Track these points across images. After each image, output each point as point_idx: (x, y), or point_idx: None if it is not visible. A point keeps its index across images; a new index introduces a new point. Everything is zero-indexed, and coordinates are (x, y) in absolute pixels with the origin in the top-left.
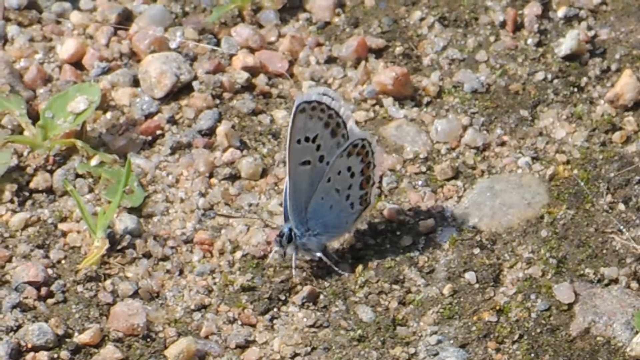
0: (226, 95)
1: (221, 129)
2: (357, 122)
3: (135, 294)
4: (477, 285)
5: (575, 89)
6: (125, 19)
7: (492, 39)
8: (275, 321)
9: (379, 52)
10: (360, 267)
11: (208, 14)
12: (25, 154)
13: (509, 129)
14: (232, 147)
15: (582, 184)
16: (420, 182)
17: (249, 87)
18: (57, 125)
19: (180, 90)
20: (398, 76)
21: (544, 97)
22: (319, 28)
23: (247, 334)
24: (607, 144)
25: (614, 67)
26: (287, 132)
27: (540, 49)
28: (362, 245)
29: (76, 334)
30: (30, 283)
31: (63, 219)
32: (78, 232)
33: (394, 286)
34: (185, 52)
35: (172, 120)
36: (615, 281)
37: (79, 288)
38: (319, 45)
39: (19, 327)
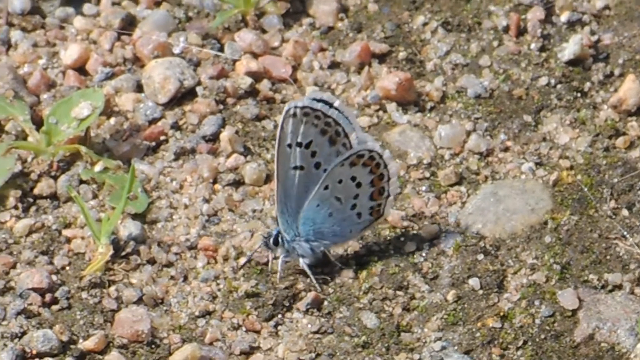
0: (230, 100)
1: (225, 135)
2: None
3: (139, 300)
4: (481, 292)
5: (579, 94)
6: (129, 24)
7: (495, 43)
8: (279, 327)
9: (382, 57)
10: (364, 273)
11: (211, 19)
12: (29, 159)
13: (513, 134)
14: (235, 153)
15: (585, 189)
16: (424, 188)
17: (252, 92)
18: (61, 131)
19: (183, 96)
20: (401, 81)
21: (547, 102)
22: (322, 33)
23: (252, 340)
24: (611, 149)
25: (617, 72)
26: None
27: (544, 54)
28: (365, 251)
29: (81, 340)
30: (34, 289)
31: (67, 225)
32: (82, 238)
33: (398, 292)
34: (189, 58)
35: (175, 126)
36: (619, 287)
37: (84, 294)
38: (323, 50)
39: (24, 333)
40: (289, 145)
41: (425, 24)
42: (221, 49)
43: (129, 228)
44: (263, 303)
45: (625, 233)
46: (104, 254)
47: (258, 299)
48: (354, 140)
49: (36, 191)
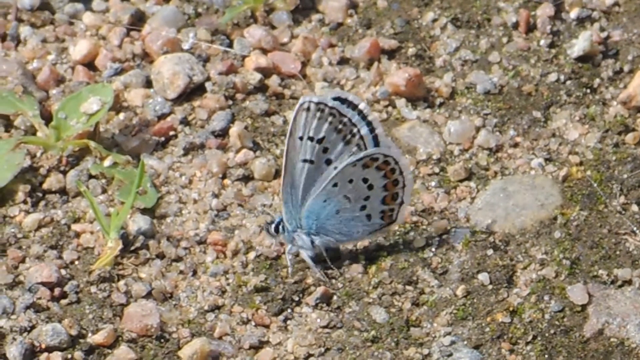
0: (239, 96)
1: (234, 130)
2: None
3: (148, 295)
4: (490, 287)
5: (588, 90)
6: (138, 19)
7: (504, 40)
8: (288, 322)
9: (391, 53)
10: (373, 268)
11: (221, 15)
12: (38, 154)
13: (522, 130)
14: (245, 148)
15: (595, 185)
16: (433, 183)
17: (261, 88)
18: (70, 126)
19: (193, 91)
20: (411, 77)
21: (556, 98)
22: (332, 29)
23: (261, 335)
24: (620, 145)
25: (626, 68)
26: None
27: (553, 50)
28: (375, 246)
29: (90, 334)
30: (43, 284)
31: (76, 220)
32: (91, 232)
33: (408, 287)
34: (198, 53)
35: (185, 121)
36: (629, 282)
37: (93, 289)
38: (332, 46)
39: (33, 327)
40: (300, 138)
41: (434, 20)
42: (230, 45)
43: (138, 223)
44: (272, 297)
45: (634, 228)
46: (113, 249)
47: (267, 293)
48: (369, 143)
49: (45, 186)
